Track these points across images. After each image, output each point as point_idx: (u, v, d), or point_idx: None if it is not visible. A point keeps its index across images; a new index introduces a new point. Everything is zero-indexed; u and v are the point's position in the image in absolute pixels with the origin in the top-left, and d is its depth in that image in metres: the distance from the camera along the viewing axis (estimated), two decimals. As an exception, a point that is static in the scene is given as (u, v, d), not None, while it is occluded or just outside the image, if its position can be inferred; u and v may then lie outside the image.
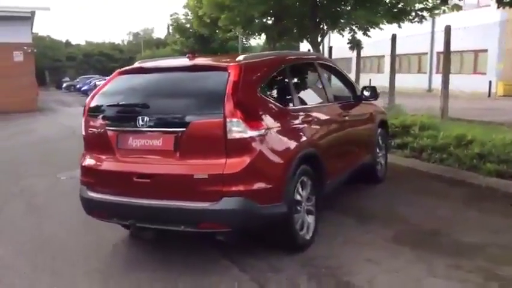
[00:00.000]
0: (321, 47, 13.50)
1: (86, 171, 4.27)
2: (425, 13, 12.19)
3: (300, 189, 4.31)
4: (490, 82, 25.70)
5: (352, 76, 28.44)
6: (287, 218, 4.07)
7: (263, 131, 3.88)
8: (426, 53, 31.65)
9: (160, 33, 43.28)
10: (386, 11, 11.70)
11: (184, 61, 4.38)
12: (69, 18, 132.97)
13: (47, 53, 57.09)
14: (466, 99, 21.20)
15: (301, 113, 4.60)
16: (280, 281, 3.83)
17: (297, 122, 4.46)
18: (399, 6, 11.98)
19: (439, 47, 28.55)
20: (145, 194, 3.88)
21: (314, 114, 4.85)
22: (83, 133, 4.35)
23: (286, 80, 4.64)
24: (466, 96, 22.73)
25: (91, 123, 4.26)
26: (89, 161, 4.27)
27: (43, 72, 52.63)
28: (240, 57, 4.21)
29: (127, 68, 4.51)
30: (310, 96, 5.15)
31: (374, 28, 12.92)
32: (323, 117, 5.04)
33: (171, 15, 31.30)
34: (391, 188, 6.57)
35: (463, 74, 28.32)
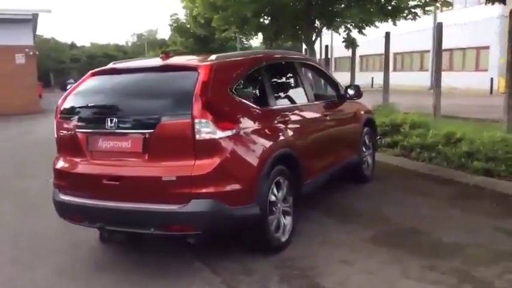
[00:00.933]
0: (318, 46, 13.46)
1: (58, 173, 4.26)
2: (417, 10, 12.11)
3: (275, 190, 4.28)
4: (492, 79, 25.47)
5: (360, 75, 28.31)
6: (260, 220, 4.04)
7: (234, 131, 3.86)
8: (429, 51, 31.47)
9: (165, 34, 43.37)
10: (379, 9, 11.60)
11: (155, 61, 4.36)
12: (74, 21, 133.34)
13: (51, 55, 57.32)
14: (467, 96, 21.08)
15: (278, 113, 4.57)
16: (250, 284, 3.79)
17: (272, 122, 4.42)
18: (393, 3, 11.90)
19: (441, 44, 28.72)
20: (114, 197, 3.86)
21: (292, 114, 4.82)
22: (55, 135, 4.33)
23: (261, 80, 4.60)
24: (468, 93, 22.59)
25: (63, 125, 4.25)
26: (61, 164, 4.25)
27: (48, 74, 52.80)
28: (213, 57, 4.18)
29: (100, 68, 4.50)
30: (288, 96, 5.12)
31: (369, 26, 12.86)
32: (301, 117, 5.00)
33: (171, 16, 31.31)
34: (378, 187, 6.53)
35: (464, 72, 28.22)
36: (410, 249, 4.32)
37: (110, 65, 4.59)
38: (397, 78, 30.35)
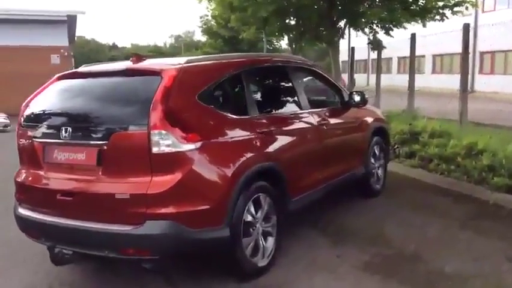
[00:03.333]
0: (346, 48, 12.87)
1: (18, 186, 3.96)
2: (446, 11, 11.38)
3: (252, 209, 3.85)
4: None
5: (388, 77, 27.44)
6: (231, 243, 3.61)
7: (200, 144, 3.44)
8: (469, 53, 30.21)
9: (201, 35, 43.58)
10: (403, 9, 10.94)
11: (120, 65, 3.99)
12: (118, 23, 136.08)
13: (90, 55, 58.41)
14: (509, 101, 19.93)
15: (259, 123, 4.13)
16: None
17: (251, 132, 3.98)
18: (419, 3, 11.23)
19: (482, 45, 27.44)
20: (67, 214, 3.53)
21: (278, 123, 4.38)
22: (16, 144, 4.02)
23: (240, 86, 4.17)
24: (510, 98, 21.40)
25: (22, 133, 3.94)
26: (20, 176, 3.96)
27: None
28: (183, 60, 3.79)
29: (65, 72, 4.16)
30: (274, 104, 4.67)
31: (397, 27, 12.22)
32: (290, 126, 4.56)
33: (201, 17, 31.05)
34: (386, 202, 5.98)
35: (507, 75, 26.88)
36: (404, 280, 3.81)
37: (81, 68, 4.26)
38: (433, 81, 29.38)
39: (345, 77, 18.52)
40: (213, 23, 30.29)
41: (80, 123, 3.60)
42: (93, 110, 3.64)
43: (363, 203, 5.94)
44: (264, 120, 4.22)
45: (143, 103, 3.37)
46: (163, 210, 3.29)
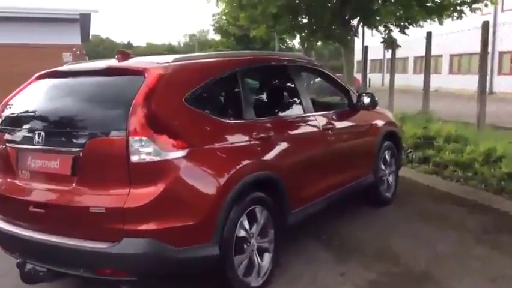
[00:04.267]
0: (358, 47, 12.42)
1: None
2: (464, 8, 10.89)
3: (245, 223, 3.50)
4: None
5: (404, 77, 26.84)
6: (221, 262, 3.27)
7: (185, 151, 3.10)
8: (488, 53, 29.43)
9: (213, 34, 43.38)
10: (419, 6, 10.47)
11: (101, 64, 3.66)
12: (133, 21, 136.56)
13: (105, 54, 58.60)
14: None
15: (256, 128, 3.77)
16: None
17: (247, 138, 3.63)
18: (436, 0, 10.76)
19: (502, 45, 26.68)
20: (40, 227, 3.22)
21: (277, 128, 4.01)
22: None
23: (235, 87, 3.81)
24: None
25: None
26: None
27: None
28: (170, 58, 3.45)
29: (45, 71, 3.83)
30: (274, 107, 4.33)
31: (413, 26, 11.74)
32: (291, 131, 4.21)
33: (213, 15, 30.60)
34: (397, 212, 5.59)
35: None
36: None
37: (63, 67, 3.94)
38: (451, 82, 28.69)
39: (360, 77, 18.04)
40: (224, 20, 29.94)
41: (54, 128, 3.29)
42: (69, 113, 3.32)
43: (372, 212, 5.56)
44: (262, 125, 3.86)
45: (124, 106, 3.05)
46: (142, 227, 2.96)
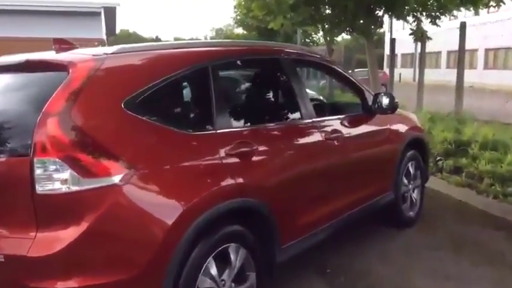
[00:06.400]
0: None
1: None
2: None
3: (213, 270, 2.64)
4: None
5: (437, 72, 25.53)
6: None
7: (119, 176, 2.26)
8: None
9: (235, 27, 42.38)
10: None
11: (21, 57, 2.78)
12: (161, 16, 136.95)
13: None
14: None
15: (231, 140, 2.88)
16: None
17: (216, 155, 2.76)
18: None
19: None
20: None
21: (262, 139, 3.13)
22: None
23: (203, 87, 2.92)
24: None
25: None
26: None
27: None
28: (110, 49, 2.61)
29: None
30: (261, 112, 3.44)
31: (445, 15, 10.67)
32: (282, 143, 3.32)
33: (234, 8, 29.49)
34: (422, 237, 4.62)
35: None
36: None
37: None
38: (493, 78, 27.13)
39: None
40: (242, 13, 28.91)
41: None
42: None
43: (391, 236, 4.62)
44: (241, 136, 2.98)
45: (34, 114, 2.23)
46: (54, 284, 2.13)
